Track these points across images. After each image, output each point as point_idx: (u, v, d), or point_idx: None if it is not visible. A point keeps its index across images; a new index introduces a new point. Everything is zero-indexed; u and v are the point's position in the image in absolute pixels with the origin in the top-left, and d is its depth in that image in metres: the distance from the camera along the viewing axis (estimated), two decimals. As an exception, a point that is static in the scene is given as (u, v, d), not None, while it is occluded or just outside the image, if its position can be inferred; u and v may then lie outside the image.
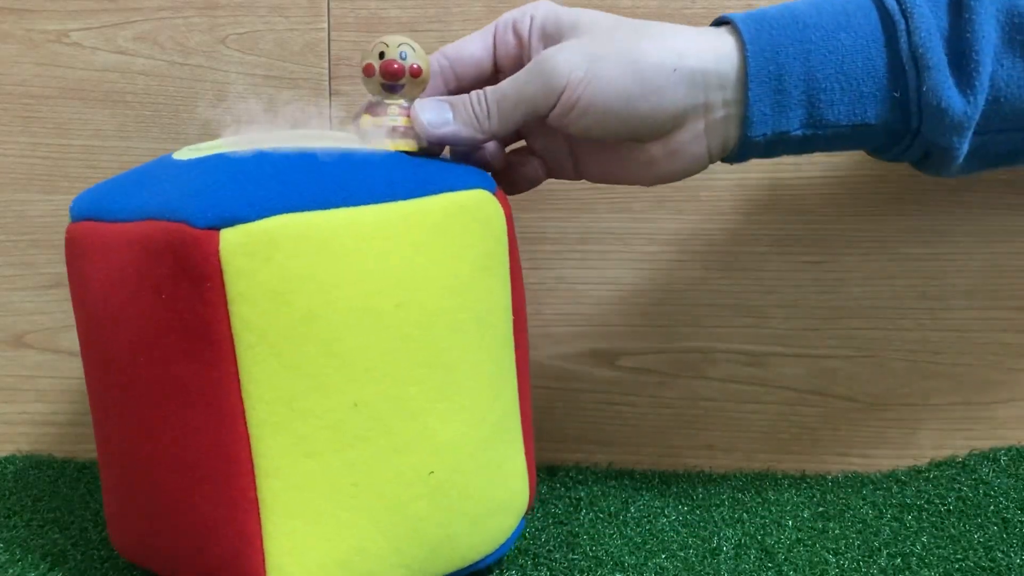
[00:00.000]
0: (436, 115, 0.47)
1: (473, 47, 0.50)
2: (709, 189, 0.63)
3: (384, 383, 0.42)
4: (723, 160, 0.50)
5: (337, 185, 0.42)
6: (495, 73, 0.51)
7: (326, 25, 0.63)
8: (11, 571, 0.50)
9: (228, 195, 0.40)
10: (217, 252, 0.39)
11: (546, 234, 0.64)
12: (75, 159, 0.64)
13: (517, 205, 0.52)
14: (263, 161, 0.43)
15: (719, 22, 0.49)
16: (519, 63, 0.49)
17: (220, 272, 0.39)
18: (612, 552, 0.52)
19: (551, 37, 0.49)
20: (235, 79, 0.63)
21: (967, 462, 0.63)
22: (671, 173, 0.49)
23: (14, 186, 0.65)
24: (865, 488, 0.61)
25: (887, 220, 0.63)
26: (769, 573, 0.50)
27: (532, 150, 0.53)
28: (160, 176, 0.45)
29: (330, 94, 0.63)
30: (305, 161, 0.43)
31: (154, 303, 0.41)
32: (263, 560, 0.41)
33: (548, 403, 0.65)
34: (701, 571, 0.50)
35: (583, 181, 0.63)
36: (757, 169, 0.62)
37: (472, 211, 0.45)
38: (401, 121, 0.47)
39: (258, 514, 0.41)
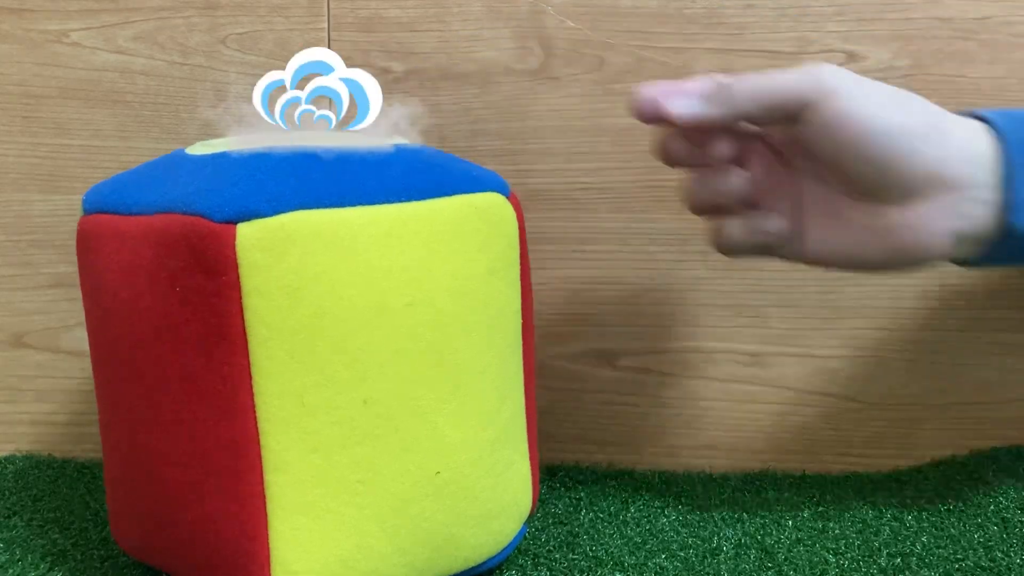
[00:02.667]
0: (673, 85, 0.45)
1: None
2: (709, 189, 0.63)
3: (393, 381, 0.42)
4: (970, 263, 0.47)
5: (353, 183, 0.42)
6: None
7: (326, 25, 0.63)
8: (11, 571, 0.50)
9: (245, 190, 0.41)
10: (233, 246, 0.39)
11: (546, 234, 0.64)
12: (75, 159, 0.64)
13: (517, 205, 0.52)
14: (280, 157, 0.43)
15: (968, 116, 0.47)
16: None
17: (236, 266, 0.40)
18: (612, 552, 0.52)
19: None
20: (235, 79, 0.63)
21: (967, 462, 0.63)
22: (906, 251, 0.45)
23: (14, 186, 0.65)
24: (865, 488, 0.61)
25: (887, 220, 0.63)
26: (769, 573, 0.50)
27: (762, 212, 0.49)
28: (175, 170, 0.45)
29: (330, 94, 0.63)
30: (322, 159, 0.43)
31: (167, 295, 0.41)
32: (268, 555, 0.41)
33: (548, 403, 0.65)
34: (701, 571, 0.50)
35: (583, 182, 0.63)
36: (757, 169, 0.63)
37: (485, 213, 0.45)
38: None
39: (264, 509, 0.41)
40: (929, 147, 0.44)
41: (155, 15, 0.63)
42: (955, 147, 0.44)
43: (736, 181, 0.48)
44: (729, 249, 0.49)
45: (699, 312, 0.64)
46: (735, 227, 0.48)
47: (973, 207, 0.44)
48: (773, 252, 0.49)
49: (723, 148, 0.48)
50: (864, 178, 0.45)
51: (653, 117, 0.46)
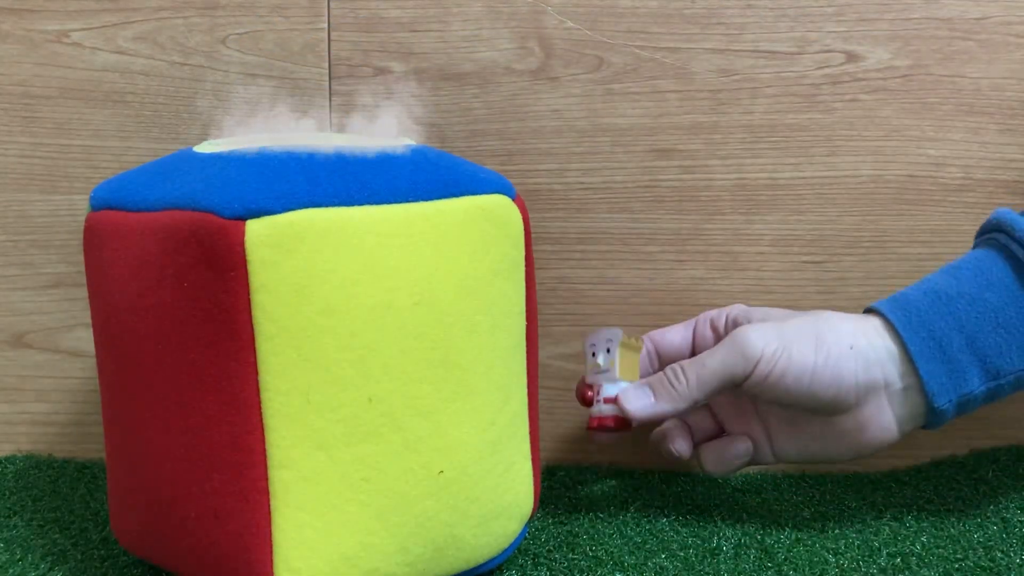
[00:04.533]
0: (639, 401, 0.52)
1: (675, 336, 0.57)
2: (709, 189, 0.63)
3: (399, 380, 0.43)
4: (922, 428, 0.53)
5: (362, 183, 0.42)
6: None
7: (326, 25, 0.63)
8: (11, 571, 0.50)
9: (255, 187, 0.41)
10: (242, 242, 0.40)
11: (546, 234, 0.64)
12: (75, 159, 0.64)
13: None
14: (289, 156, 0.43)
15: (867, 311, 0.54)
16: None
17: (244, 262, 0.40)
18: (612, 552, 0.52)
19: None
20: (235, 79, 0.63)
21: (967, 462, 0.63)
22: (864, 446, 0.53)
23: (14, 186, 0.65)
24: (865, 488, 0.61)
25: (887, 220, 0.63)
26: (769, 573, 0.50)
27: (731, 435, 0.56)
28: (183, 168, 0.45)
29: (330, 94, 0.63)
30: (330, 158, 0.44)
31: (175, 291, 0.41)
32: (271, 552, 0.41)
33: (548, 403, 0.65)
34: (701, 571, 0.50)
35: (583, 182, 0.63)
36: (757, 169, 0.63)
37: (492, 215, 0.46)
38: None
39: (268, 505, 0.41)
40: (850, 367, 0.50)
41: (155, 15, 0.63)
42: (871, 356, 0.51)
43: (705, 421, 0.57)
44: (712, 473, 0.55)
45: (699, 312, 0.64)
46: (711, 457, 0.55)
47: (904, 396, 0.52)
48: (749, 463, 0.56)
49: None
50: (805, 406, 0.52)
51: (623, 422, 0.53)
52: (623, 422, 0.53)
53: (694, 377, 0.51)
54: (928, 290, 0.52)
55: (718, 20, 0.61)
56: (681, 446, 0.55)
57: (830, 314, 0.53)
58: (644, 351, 0.57)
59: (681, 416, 0.56)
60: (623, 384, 0.54)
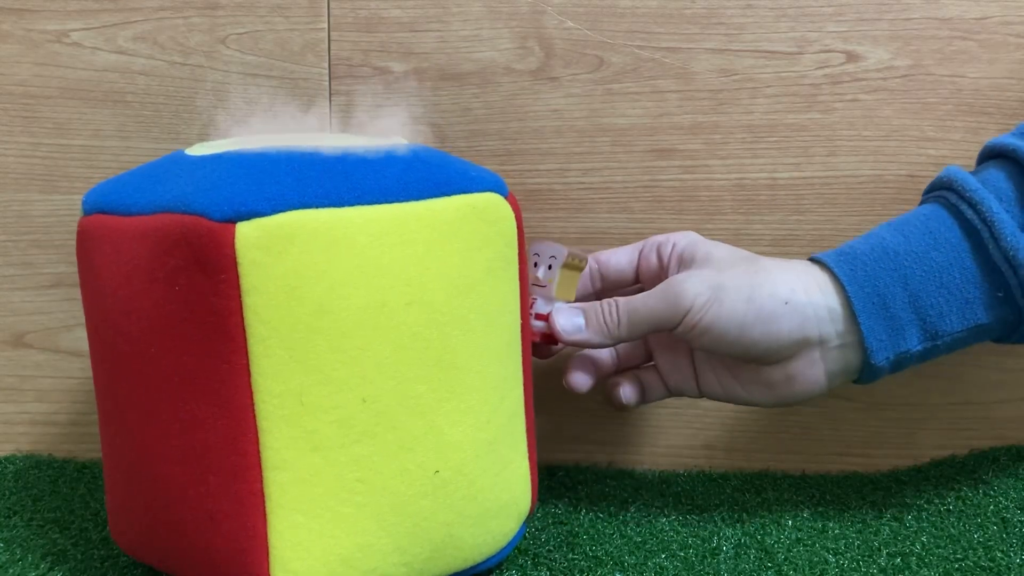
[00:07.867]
0: (569, 322, 0.52)
1: (621, 258, 0.56)
2: (709, 189, 0.63)
3: (393, 380, 0.43)
4: (853, 382, 0.53)
5: (352, 183, 0.42)
6: (635, 283, 0.57)
7: (326, 25, 0.63)
8: (11, 571, 0.50)
9: (245, 189, 0.41)
10: (232, 245, 0.40)
11: (546, 234, 0.64)
12: (75, 159, 0.64)
13: (517, 205, 0.52)
14: (279, 158, 0.43)
15: (812, 260, 0.53)
16: (658, 280, 0.53)
17: (235, 265, 0.40)
18: (612, 552, 0.52)
19: (686, 264, 0.53)
20: (235, 79, 0.63)
21: (967, 462, 0.63)
22: (790, 396, 0.52)
23: (14, 186, 0.65)
24: (865, 488, 0.61)
25: (887, 220, 0.63)
26: (769, 573, 0.50)
27: (657, 366, 0.57)
28: (174, 171, 0.45)
29: (330, 94, 0.63)
30: (320, 159, 0.44)
31: (167, 295, 0.41)
32: (267, 554, 0.41)
33: (548, 403, 0.65)
34: (701, 571, 0.50)
35: (583, 182, 0.63)
36: (757, 169, 0.63)
37: (484, 213, 0.46)
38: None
39: (264, 508, 0.41)
40: (784, 323, 0.50)
41: (155, 15, 0.63)
42: (808, 312, 0.50)
43: (636, 347, 0.57)
44: (625, 407, 0.56)
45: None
46: (628, 391, 0.55)
47: (838, 353, 0.51)
48: (672, 395, 0.56)
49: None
50: (736, 356, 0.52)
51: (551, 338, 0.53)
52: (550, 339, 0.53)
53: (625, 318, 0.51)
54: (876, 245, 0.52)
55: (718, 20, 0.61)
56: (628, 394, 0.55)
57: (772, 264, 0.52)
58: (587, 271, 0.56)
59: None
60: (557, 304, 0.53)
